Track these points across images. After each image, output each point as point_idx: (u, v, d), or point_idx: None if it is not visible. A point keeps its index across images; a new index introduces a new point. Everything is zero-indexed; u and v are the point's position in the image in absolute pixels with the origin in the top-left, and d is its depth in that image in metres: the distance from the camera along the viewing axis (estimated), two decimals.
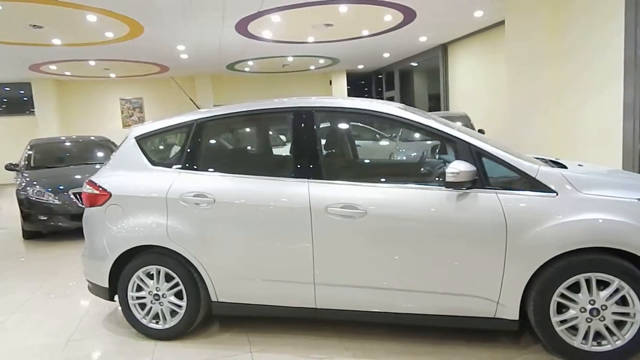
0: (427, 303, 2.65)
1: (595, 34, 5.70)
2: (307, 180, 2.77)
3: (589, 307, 2.43)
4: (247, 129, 3.51)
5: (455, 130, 2.66)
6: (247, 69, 14.54)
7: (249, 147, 3.54)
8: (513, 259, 2.46)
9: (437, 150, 3.72)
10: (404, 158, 3.26)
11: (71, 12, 7.11)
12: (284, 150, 3.32)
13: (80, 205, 6.10)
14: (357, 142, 3.58)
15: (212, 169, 3.02)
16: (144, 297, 3.07)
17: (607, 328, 2.43)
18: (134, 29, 8.43)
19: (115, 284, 3.13)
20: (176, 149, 3.23)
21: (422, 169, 3.12)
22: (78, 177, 6.51)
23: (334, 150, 3.24)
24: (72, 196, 6.17)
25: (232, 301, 2.95)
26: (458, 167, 2.43)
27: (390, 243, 2.63)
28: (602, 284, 2.42)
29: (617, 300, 2.40)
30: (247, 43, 10.28)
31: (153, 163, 3.12)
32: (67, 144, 7.98)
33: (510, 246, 2.46)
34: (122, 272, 3.08)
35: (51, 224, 6.16)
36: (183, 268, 2.96)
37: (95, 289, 3.26)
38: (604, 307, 2.41)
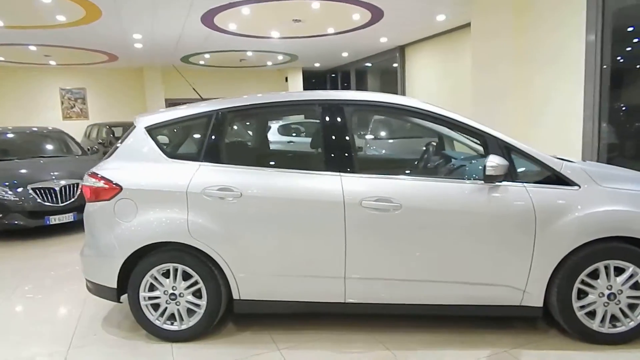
0: (458, 293, 2.73)
1: (558, 34, 6.12)
2: (339, 173, 2.74)
3: (606, 292, 2.63)
4: (274, 121, 3.39)
5: (484, 126, 2.76)
6: (202, 62, 14.07)
7: (275, 139, 3.44)
8: (541, 249, 2.60)
9: (435, 146, 3.83)
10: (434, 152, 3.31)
11: None
12: (302, 142, 3.25)
13: (40, 201, 5.62)
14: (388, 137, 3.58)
15: (236, 162, 2.90)
16: (158, 297, 2.89)
17: (622, 311, 2.65)
18: (91, 13, 7.87)
19: (123, 284, 2.92)
20: (193, 140, 3.06)
21: (462, 163, 3.18)
22: (38, 171, 5.98)
23: (365, 144, 3.23)
24: (30, 192, 5.65)
25: (257, 298, 2.86)
26: (496, 161, 2.53)
27: (424, 236, 2.68)
28: (617, 270, 2.63)
29: (631, 285, 2.62)
30: (209, 35, 9.96)
31: (168, 155, 2.94)
32: (18, 135, 7.28)
33: (538, 236, 2.60)
34: (132, 271, 2.88)
35: (5, 222, 5.60)
36: (203, 265, 2.82)
37: (98, 289, 3.02)
38: (619, 292, 2.62)
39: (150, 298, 2.89)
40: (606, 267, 2.62)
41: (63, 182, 5.84)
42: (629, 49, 6.09)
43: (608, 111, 5.90)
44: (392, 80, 14.23)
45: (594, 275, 2.64)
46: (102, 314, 3.37)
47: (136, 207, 2.84)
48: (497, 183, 2.62)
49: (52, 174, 5.93)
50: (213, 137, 2.91)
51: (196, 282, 2.85)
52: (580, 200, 2.60)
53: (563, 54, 6.08)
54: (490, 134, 2.73)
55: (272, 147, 3.38)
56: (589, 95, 5.84)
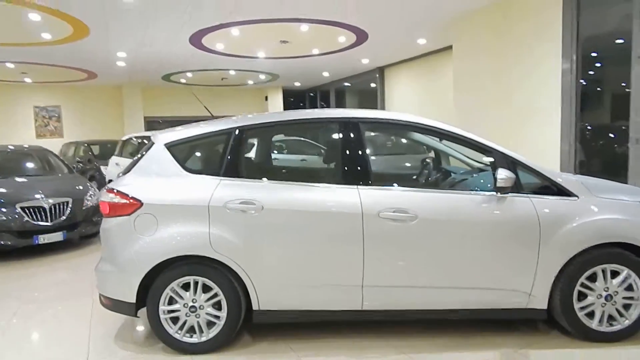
0: (470, 298, 2.89)
1: (536, 55, 6.54)
2: (357, 186, 2.89)
3: (604, 293, 2.85)
4: (291, 137, 3.52)
5: (493, 143, 2.98)
6: (183, 81, 14.10)
7: (293, 155, 3.56)
8: (545, 255, 2.81)
9: (431, 162, 4.05)
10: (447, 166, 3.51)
11: (12, 9, 6.45)
12: (315, 158, 3.40)
13: (29, 220, 5.51)
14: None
15: (256, 176, 3.01)
16: (177, 310, 2.92)
17: (618, 311, 2.87)
18: (78, 32, 7.85)
19: (140, 298, 2.94)
20: (212, 156, 3.16)
21: (464, 177, 3.38)
22: (26, 189, 5.87)
23: (379, 158, 3.40)
24: (19, 211, 5.52)
25: (276, 308, 2.94)
26: (505, 174, 2.74)
27: (438, 244, 2.85)
28: (612, 274, 2.86)
29: (625, 287, 2.85)
30: (194, 54, 10.05)
31: (188, 170, 3.01)
32: (1, 153, 7.11)
33: (543, 243, 2.81)
34: (151, 285, 2.91)
35: None
36: (223, 277, 2.89)
37: (115, 305, 3.03)
38: (615, 293, 2.85)
39: (169, 312, 2.92)
40: (603, 271, 2.84)
41: (52, 201, 5.75)
42: (591, 72, 6.54)
43: (580, 130, 6.32)
44: (370, 100, 14.65)
45: (592, 278, 2.86)
46: (112, 331, 3.35)
47: (157, 222, 2.90)
48: (505, 195, 2.83)
49: (40, 192, 5.82)
50: (233, 153, 3.01)
51: (216, 294, 2.91)
52: (579, 210, 2.84)
53: (540, 74, 6.50)
54: (498, 150, 2.95)
55: (288, 162, 3.49)
56: (565, 113, 6.25)
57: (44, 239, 5.60)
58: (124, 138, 9.26)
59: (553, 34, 6.27)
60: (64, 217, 5.74)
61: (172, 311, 2.92)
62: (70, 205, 5.82)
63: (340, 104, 15.93)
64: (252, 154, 3.16)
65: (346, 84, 15.37)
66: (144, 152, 3.17)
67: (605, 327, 2.88)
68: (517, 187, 2.86)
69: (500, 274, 2.86)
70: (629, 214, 2.87)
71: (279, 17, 7.41)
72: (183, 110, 15.75)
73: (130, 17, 7.15)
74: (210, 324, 2.94)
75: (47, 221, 5.63)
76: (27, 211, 5.55)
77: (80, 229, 5.96)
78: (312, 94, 17.77)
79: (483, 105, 7.36)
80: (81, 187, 6.33)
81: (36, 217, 5.58)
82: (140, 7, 6.65)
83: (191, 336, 2.95)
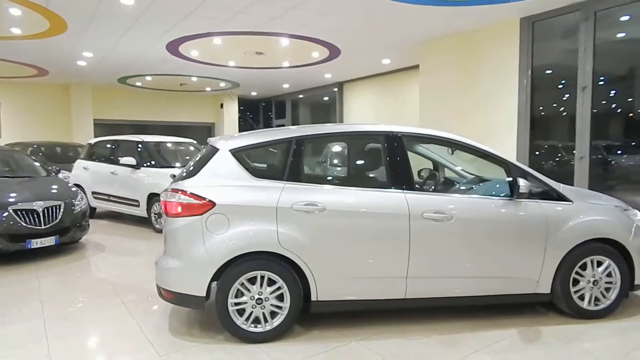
0: (493, 286, 3.49)
1: (497, 74, 7.50)
2: (403, 191, 3.38)
3: (592, 279, 3.58)
4: (343, 147, 3.91)
5: (508, 156, 3.62)
6: (138, 84, 13.77)
7: (347, 163, 3.94)
8: (550, 248, 3.48)
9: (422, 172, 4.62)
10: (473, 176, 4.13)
11: None
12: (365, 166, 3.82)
13: (22, 224, 5.34)
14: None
15: (315, 181, 3.40)
16: (244, 303, 3.21)
17: (602, 293, 3.61)
18: (55, 28, 7.60)
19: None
20: (275, 162, 3.49)
21: (489, 185, 3.96)
22: (15, 192, 5.65)
23: (421, 167, 3.90)
24: (12, 213, 5.34)
25: (333, 299, 3.33)
26: (524, 183, 3.38)
27: (469, 240, 3.41)
28: (598, 263, 3.60)
29: (607, 274, 3.60)
30: (166, 59, 10.01)
31: (254, 175, 3.32)
32: None
33: (549, 239, 3.48)
34: (219, 280, 3.17)
35: None
36: (287, 271, 3.23)
37: (179, 298, 3.25)
38: (600, 279, 3.59)
39: (236, 304, 3.20)
40: (591, 261, 3.58)
41: (42, 204, 5.60)
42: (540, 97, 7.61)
43: (532, 147, 7.34)
44: (323, 112, 15.34)
45: (583, 267, 3.58)
46: (162, 326, 3.53)
47: (228, 221, 3.18)
48: (521, 200, 3.47)
49: (31, 195, 5.65)
50: (294, 160, 3.38)
51: (279, 287, 3.23)
52: (575, 212, 3.56)
53: (502, 91, 7.46)
54: (513, 163, 3.60)
55: (345, 169, 3.91)
56: (521, 132, 7.24)
57: (36, 243, 5.46)
58: (92, 141, 8.99)
59: (511, 62, 7.27)
60: (56, 221, 5.62)
61: (239, 303, 3.21)
62: (62, 209, 5.71)
63: (294, 115, 16.39)
64: (310, 161, 3.54)
65: (301, 95, 15.89)
66: (207, 157, 3.41)
67: (593, 306, 3.61)
68: (529, 194, 3.52)
69: (517, 265, 3.49)
70: (608, 216, 3.65)
71: (264, 30, 7.74)
72: (134, 113, 15.35)
73: (117, 19, 7.11)
74: (273, 315, 3.26)
75: (40, 225, 5.48)
76: (19, 214, 5.38)
77: (71, 234, 5.84)
78: (264, 104, 18.06)
79: (447, 117, 8.22)
80: (71, 191, 6.19)
81: (29, 220, 5.42)
82: (131, 11, 6.68)
83: (256, 326, 3.24)
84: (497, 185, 3.72)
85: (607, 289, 3.64)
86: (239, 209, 3.21)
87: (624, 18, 6.46)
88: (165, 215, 3.38)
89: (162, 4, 6.38)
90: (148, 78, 12.81)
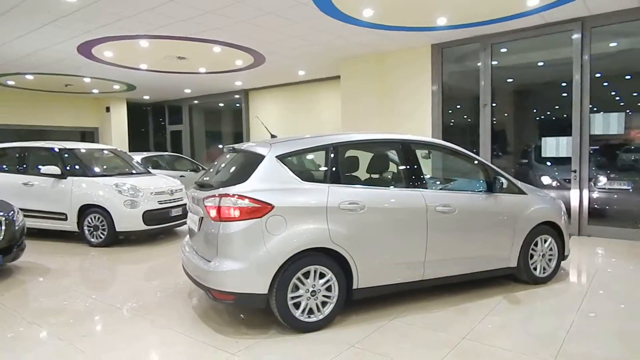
0: (482, 264, 4.34)
1: (411, 80, 8.72)
2: (419, 189, 4.03)
3: (541, 253, 4.69)
4: (373, 153, 4.35)
5: (484, 160, 4.53)
6: (11, 83, 11.99)
7: (375, 166, 4.35)
8: (517, 231, 4.48)
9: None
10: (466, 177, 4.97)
11: None
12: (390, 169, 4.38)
13: None
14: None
15: (352, 183, 3.83)
16: (300, 296, 3.49)
17: (547, 263, 4.75)
18: None
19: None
20: (317, 166, 3.80)
21: (474, 183, 4.78)
22: None
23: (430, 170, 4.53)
24: None
25: (370, 286, 3.79)
26: (503, 180, 4.31)
27: (466, 228, 4.21)
28: (544, 241, 4.73)
29: (549, 248, 4.76)
30: (66, 58, 9.07)
31: (302, 179, 3.62)
32: None
33: (516, 224, 4.48)
34: (281, 276, 3.40)
35: None
36: (334, 264, 3.61)
37: (244, 298, 3.40)
38: (546, 253, 4.73)
39: (292, 298, 3.47)
40: (541, 239, 4.69)
41: None
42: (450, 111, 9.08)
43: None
44: (225, 118, 15.34)
45: (536, 244, 4.66)
46: (210, 324, 3.57)
47: (285, 222, 3.43)
48: (497, 193, 4.41)
49: None
50: (334, 164, 3.77)
51: (329, 279, 3.59)
52: (530, 202, 4.64)
53: (415, 95, 8.70)
54: (490, 166, 4.53)
55: (376, 171, 4.36)
56: (435, 137, 8.55)
57: None
58: (2, 146, 7.81)
59: (424, 62, 8.54)
60: (0, 239, 4.93)
61: (295, 297, 3.47)
62: (3, 226, 5.02)
63: (193, 121, 15.97)
64: (348, 165, 3.97)
65: (196, 101, 15.59)
66: (253, 163, 3.60)
67: (542, 274, 4.72)
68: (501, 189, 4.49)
69: (497, 245, 4.41)
70: (549, 204, 4.83)
71: (193, 36, 7.68)
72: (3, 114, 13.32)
73: (39, 13, 6.40)
74: (323, 304, 3.60)
75: None
76: None
77: (14, 254, 5.15)
78: (147, 107, 17.15)
79: (368, 112, 9.27)
80: (7, 204, 5.42)
81: None
82: (66, 8, 6.13)
83: (309, 317, 3.54)
84: (476, 183, 4.62)
85: (550, 260, 4.80)
86: (294, 210, 3.48)
87: (510, 49, 8.17)
88: (214, 220, 3.46)
89: (104, 3, 6.01)
90: (29, 77, 11.28)
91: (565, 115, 7.27)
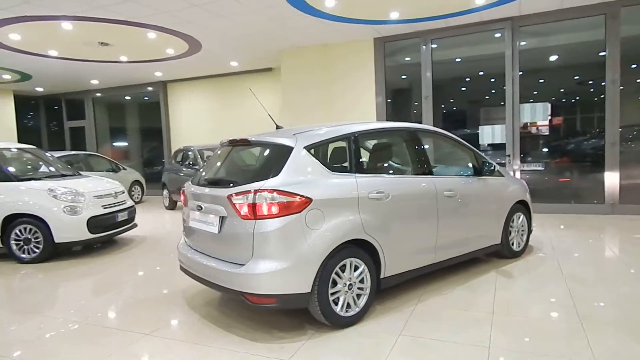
0: (477, 243, 4.60)
1: (353, 73, 8.89)
2: (430, 176, 4.15)
3: (517, 229, 5.14)
4: (389, 141, 4.25)
5: (472, 147, 4.81)
6: None
7: (392, 155, 4.24)
8: (501, 211, 4.86)
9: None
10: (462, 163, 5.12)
11: None
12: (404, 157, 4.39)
13: None
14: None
15: (374, 172, 3.79)
16: (338, 291, 3.37)
17: (520, 238, 5.22)
18: None
19: None
20: (341, 156, 3.66)
21: (466, 169, 4.94)
22: None
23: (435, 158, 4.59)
24: None
25: (394, 273, 3.80)
26: (494, 164, 4.62)
27: (466, 211, 4.43)
28: (518, 217, 5.19)
29: (523, 224, 5.24)
30: None
31: (331, 170, 3.47)
32: None
33: (500, 204, 4.84)
34: (322, 272, 3.25)
35: None
36: (365, 255, 3.55)
37: (286, 300, 3.17)
38: (519, 228, 5.19)
39: (332, 294, 3.34)
40: (516, 216, 5.13)
41: None
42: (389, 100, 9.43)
43: None
44: (140, 112, 14.21)
45: (512, 221, 5.09)
46: (248, 326, 3.29)
47: (323, 215, 3.28)
48: (486, 177, 4.72)
49: None
50: (357, 154, 3.69)
51: (362, 271, 3.53)
52: (508, 184, 5.04)
53: (357, 86, 8.90)
54: (480, 153, 4.81)
55: (394, 160, 4.29)
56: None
57: None
58: None
59: (367, 58, 8.78)
60: None
61: (334, 293, 3.35)
62: None
63: (98, 115, 14.40)
64: (370, 155, 3.89)
65: (100, 94, 14.10)
66: (282, 155, 3.36)
67: (518, 248, 5.18)
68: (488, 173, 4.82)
69: (488, 225, 4.72)
70: (519, 185, 5.30)
71: (131, 19, 6.93)
72: None
73: None
74: (358, 297, 3.52)
75: None
76: None
77: None
78: (40, 101, 15.10)
79: (311, 104, 9.28)
80: None
81: None
82: None
83: (347, 311, 3.44)
84: (462, 169, 4.89)
85: (522, 235, 5.28)
86: (330, 202, 3.34)
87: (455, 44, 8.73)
88: (244, 219, 3.18)
89: None
90: None
91: (502, 104, 8.03)
